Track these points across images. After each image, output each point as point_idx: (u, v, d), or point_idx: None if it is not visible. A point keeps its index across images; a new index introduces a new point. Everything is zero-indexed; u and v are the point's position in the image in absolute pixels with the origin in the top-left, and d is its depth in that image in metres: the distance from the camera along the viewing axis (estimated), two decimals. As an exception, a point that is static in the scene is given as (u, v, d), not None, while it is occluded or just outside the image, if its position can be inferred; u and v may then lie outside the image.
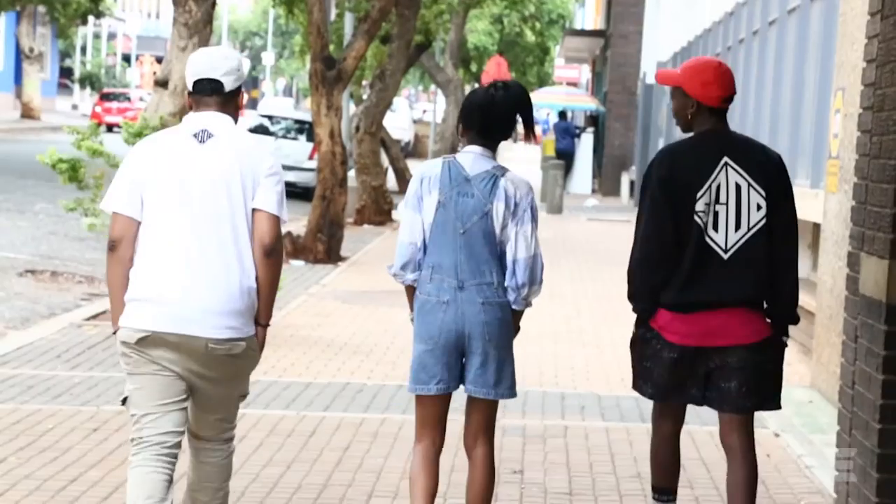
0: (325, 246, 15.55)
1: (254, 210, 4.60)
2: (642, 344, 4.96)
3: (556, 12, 51.45)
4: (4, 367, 8.75)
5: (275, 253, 4.62)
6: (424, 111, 65.06)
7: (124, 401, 4.70)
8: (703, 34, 18.94)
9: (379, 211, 21.10)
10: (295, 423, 7.48)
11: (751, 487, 4.86)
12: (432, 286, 4.78)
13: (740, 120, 14.98)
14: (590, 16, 52.00)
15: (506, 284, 4.74)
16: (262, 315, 4.73)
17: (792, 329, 5.13)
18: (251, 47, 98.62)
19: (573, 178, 32.25)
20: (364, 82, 29.00)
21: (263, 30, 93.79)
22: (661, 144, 23.35)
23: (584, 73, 54.90)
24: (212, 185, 4.58)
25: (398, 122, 46.25)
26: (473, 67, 51.33)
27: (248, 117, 29.80)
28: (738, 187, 4.84)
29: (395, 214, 22.65)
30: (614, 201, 29.94)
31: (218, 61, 4.67)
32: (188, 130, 4.64)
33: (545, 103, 37.69)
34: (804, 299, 10.57)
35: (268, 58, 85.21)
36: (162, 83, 10.72)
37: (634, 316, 5.00)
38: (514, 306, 4.78)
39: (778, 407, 5.02)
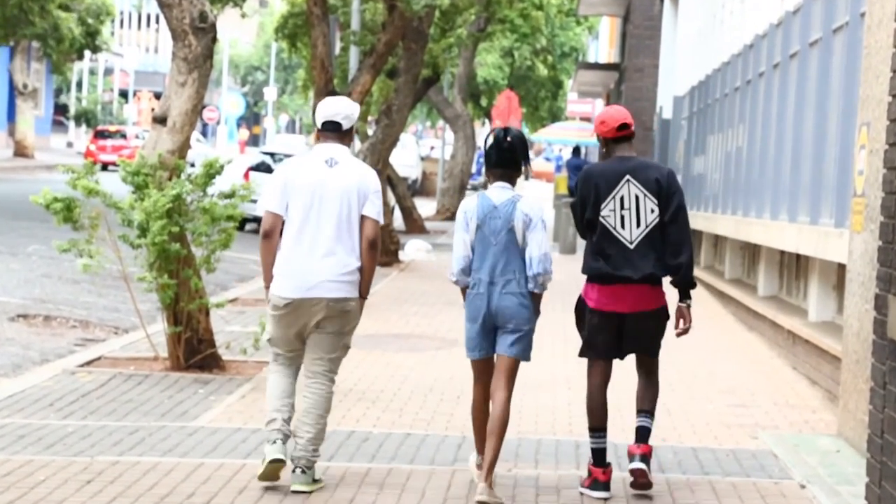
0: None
1: (362, 216, 7.13)
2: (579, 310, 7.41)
3: (569, 45, 51.61)
4: (-5, 415, 8.74)
5: (375, 246, 7.14)
6: (432, 147, 65.20)
7: (270, 340, 7.27)
8: (722, 67, 18.98)
9: (385, 251, 20.93)
10: (298, 473, 7.42)
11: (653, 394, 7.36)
12: (475, 282, 7.07)
13: (760, 156, 14.97)
14: (603, 49, 52.17)
15: (527, 275, 6.99)
16: (363, 289, 7.17)
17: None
18: (252, 82, 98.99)
19: (587, 216, 32.28)
20: (370, 118, 29.11)
21: (266, 64, 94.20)
22: (679, 181, 23.34)
23: (598, 107, 54.99)
24: (336, 197, 7.10)
25: (405, 160, 46.31)
26: (483, 102, 51.47)
27: (249, 155, 29.88)
28: (636, 197, 7.16)
29: (402, 255, 22.66)
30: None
31: (338, 108, 7.23)
32: (321, 157, 7.19)
33: (558, 139, 37.81)
34: (829, 343, 10.52)
35: (270, 93, 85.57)
36: (160, 120, 10.74)
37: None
38: (534, 290, 7.04)
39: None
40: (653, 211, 7.16)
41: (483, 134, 63.89)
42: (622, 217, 7.16)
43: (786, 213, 13.18)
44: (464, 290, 7.13)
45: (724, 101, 18.61)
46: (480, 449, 7.19)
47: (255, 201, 24.61)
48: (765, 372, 11.89)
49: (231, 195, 10.80)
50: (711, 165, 19.78)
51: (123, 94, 75.74)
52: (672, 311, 7.31)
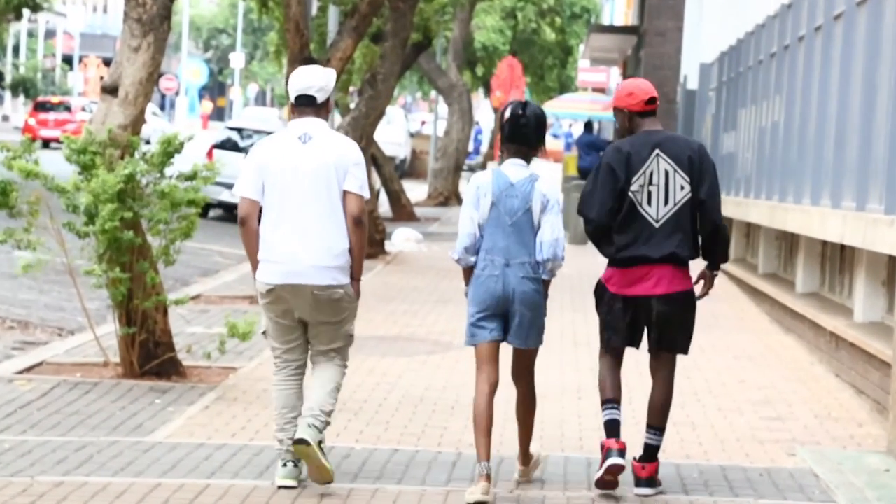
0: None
1: (344, 192, 7.49)
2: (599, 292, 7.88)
3: (580, 5, 51.62)
4: (-79, 429, 8.75)
5: (361, 223, 7.56)
6: (423, 122, 65.20)
7: (265, 333, 7.75)
8: (756, 31, 19.01)
9: (370, 241, 20.88)
10: (268, 495, 7.46)
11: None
12: (486, 264, 7.50)
13: (800, 132, 15.00)
14: (620, 9, 52.15)
15: (537, 259, 7.48)
16: (355, 271, 7.62)
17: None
18: (217, 47, 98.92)
19: (600, 201, 32.30)
20: (351, 88, 29.06)
21: (232, 27, 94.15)
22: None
23: (614, 76, 55.02)
24: (314, 175, 7.47)
25: (392, 136, 46.34)
26: (481, 71, 51.49)
27: (213, 130, 29.86)
28: (666, 173, 7.60)
29: (388, 245, 22.68)
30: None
31: (311, 80, 7.59)
32: (294, 133, 7.58)
33: (567, 113, 37.83)
34: (878, 347, 10.55)
35: (237, 60, 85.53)
36: (110, 90, 10.73)
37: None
38: (543, 276, 7.54)
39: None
40: (682, 188, 7.60)
41: (481, 107, 64.04)
42: (649, 193, 7.59)
43: (828, 197, 13.20)
44: (466, 272, 7.58)
45: (757, 69, 18.64)
46: (485, 454, 7.39)
47: (220, 184, 24.80)
48: (804, 380, 11.93)
49: (192, 176, 10.80)
50: (743, 143, 19.81)
51: (67, 61, 75.68)
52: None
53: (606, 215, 7.64)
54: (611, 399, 7.68)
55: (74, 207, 10.48)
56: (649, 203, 7.60)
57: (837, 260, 13.96)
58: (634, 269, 7.59)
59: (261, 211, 7.59)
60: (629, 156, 7.63)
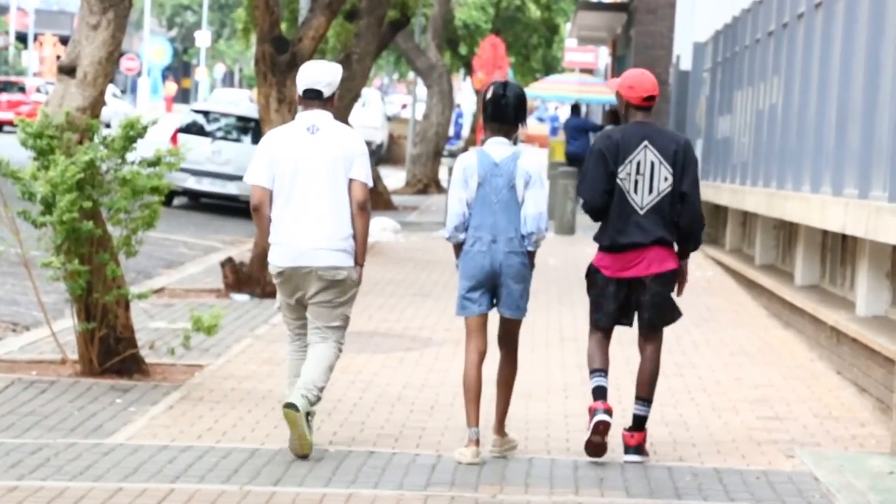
0: (274, 276, 15.56)
1: (350, 179, 8.53)
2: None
3: (567, -20, 51.62)
4: None
5: (365, 207, 8.57)
6: (404, 106, 65.16)
7: (279, 308, 8.87)
8: (753, 8, 19.04)
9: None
10: (236, 500, 7.46)
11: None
12: (474, 240, 8.48)
13: (799, 115, 15.03)
14: (609, -15, 52.12)
15: (521, 233, 8.42)
16: (359, 256, 8.61)
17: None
18: (181, 25, 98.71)
19: (589, 189, 32.30)
20: (324, 69, 29.04)
21: (197, 3, 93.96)
22: (699, 145, 23.42)
23: (602, 56, 55.12)
24: (321, 164, 8.52)
25: (368, 120, 46.32)
26: (463, 50, 51.51)
27: (178, 113, 29.80)
28: (652, 164, 8.64)
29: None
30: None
31: (319, 75, 8.64)
32: (303, 125, 8.64)
33: (553, 95, 37.85)
34: (882, 342, 10.58)
35: (203, 38, 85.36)
36: (68, 70, 10.69)
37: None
38: (529, 248, 8.52)
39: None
40: (666, 179, 8.65)
41: (462, 89, 64.07)
42: (636, 182, 8.64)
43: (829, 184, 13.24)
44: (456, 248, 8.58)
45: (755, 48, 18.67)
46: (475, 420, 8.43)
47: (185, 170, 24.74)
48: (803, 377, 11.96)
49: (156, 162, 10.79)
50: (739, 127, 19.85)
51: (21, 39, 75.40)
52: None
53: (599, 197, 8.65)
54: (599, 368, 8.67)
55: (30, 195, 10.46)
56: (635, 191, 8.63)
57: (839, 250, 14.00)
58: (626, 254, 8.63)
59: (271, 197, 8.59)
60: (618, 144, 8.63)
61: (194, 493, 7.54)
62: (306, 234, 8.51)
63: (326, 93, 8.66)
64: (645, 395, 8.70)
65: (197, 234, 22.60)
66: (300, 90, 8.66)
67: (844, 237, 13.46)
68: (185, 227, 23.56)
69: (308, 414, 8.35)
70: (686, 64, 26.86)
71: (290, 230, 8.53)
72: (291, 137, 8.63)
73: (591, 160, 8.70)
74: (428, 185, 36.89)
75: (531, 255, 8.58)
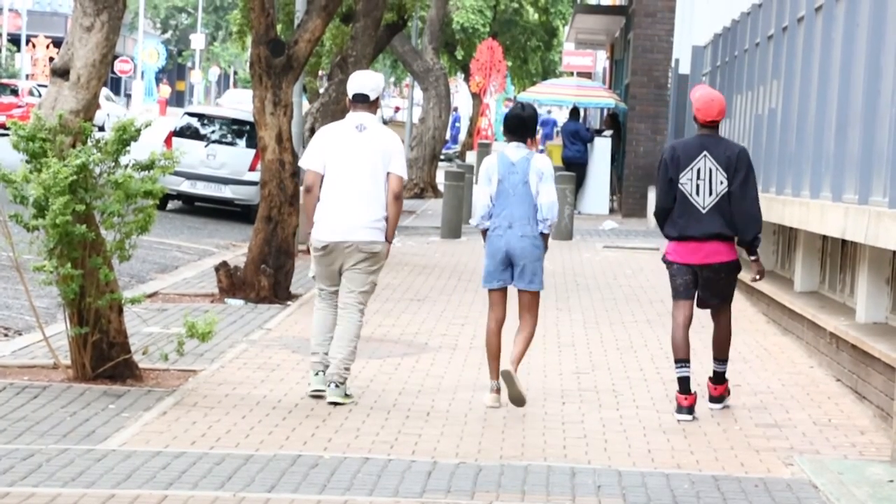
0: (270, 280, 15.55)
1: (388, 173, 10.37)
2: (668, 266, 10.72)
3: (565, -17, 51.64)
4: None
5: (399, 197, 10.41)
6: (398, 109, 65.18)
7: (314, 277, 10.52)
8: (753, 10, 19.05)
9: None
10: (231, 507, 7.45)
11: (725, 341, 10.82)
12: (496, 226, 10.49)
13: (799, 119, 15.03)
14: (607, -12, 52.15)
15: (537, 218, 10.44)
16: (389, 234, 10.39)
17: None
18: (176, 27, 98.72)
19: (585, 194, 32.30)
20: (321, 72, 29.09)
21: (192, 5, 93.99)
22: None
23: (601, 60, 55.08)
24: (365, 157, 10.35)
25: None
26: (460, 54, 51.51)
27: (172, 116, 29.76)
28: (710, 170, 10.50)
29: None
30: (638, 224, 29.77)
31: (365, 82, 10.52)
32: (352, 123, 10.44)
33: (551, 99, 37.80)
34: (882, 349, 10.58)
35: (197, 41, 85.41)
36: (61, 72, 10.69)
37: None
38: (543, 231, 10.51)
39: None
40: (722, 183, 10.43)
41: (460, 91, 64.08)
42: (697, 186, 10.44)
43: (829, 189, 13.24)
44: (483, 232, 10.54)
45: (754, 52, 18.68)
46: (495, 374, 10.36)
47: (179, 174, 24.69)
48: (802, 384, 11.97)
49: (149, 166, 10.78)
50: (738, 131, 19.86)
51: (14, 41, 75.36)
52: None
53: (664, 199, 10.47)
54: (682, 359, 10.38)
55: (23, 199, 10.45)
56: (697, 194, 10.42)
57: (838, 256, 14.01)
58: (687, 243, 10.43)
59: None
60: (679, 155, 10.49)
61: (188, 499, 7.54)
62: (350, 214, 10.25)
63: (372, 97, 10.47)
64: (721, 355, 10.65)
65: (191, 238, 22.59)
66: (350, 94, 10.45)
67: (844, 243, 13.46)
68: (179, 230, 23.55)
69: (345, 392, 10.19)
70: (685, 67, 26.87)
71: (337, 210, 10.26)
72: (342, 133, 10.41)
73: (659, 170, 10.58)
74: (424, 189, 36.82)
75: (545, 238, 10.51)
